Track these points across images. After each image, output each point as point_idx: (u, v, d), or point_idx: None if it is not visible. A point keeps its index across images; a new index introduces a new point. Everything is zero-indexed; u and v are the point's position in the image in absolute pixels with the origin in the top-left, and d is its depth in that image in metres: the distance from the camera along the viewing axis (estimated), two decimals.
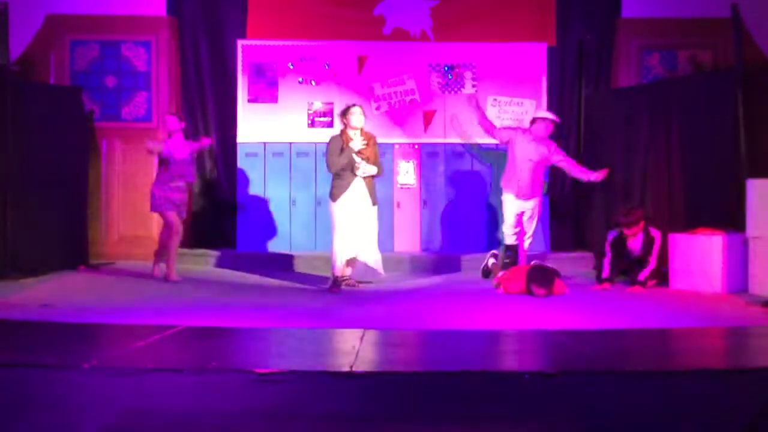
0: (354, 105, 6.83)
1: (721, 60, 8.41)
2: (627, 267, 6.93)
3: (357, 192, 6.65)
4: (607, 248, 6.91)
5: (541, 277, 6.16)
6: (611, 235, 6.91)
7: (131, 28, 8.81)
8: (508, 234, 7.58)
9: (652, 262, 6.71)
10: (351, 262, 6.80)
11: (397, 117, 8.74)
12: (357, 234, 6.64)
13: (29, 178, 7.32)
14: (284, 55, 8.73)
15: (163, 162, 7.08)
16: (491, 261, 7.40)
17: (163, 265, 7.21)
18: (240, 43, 8.73)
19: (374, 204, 6.75)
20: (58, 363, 3.53)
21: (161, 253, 7.24)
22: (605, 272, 6.88)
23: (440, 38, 8.88)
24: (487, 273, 7.34)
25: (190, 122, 9.05)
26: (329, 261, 6.75)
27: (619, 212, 7.04)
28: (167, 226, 7.11)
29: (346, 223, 6.62)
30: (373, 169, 6.68)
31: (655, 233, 6.76)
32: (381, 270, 6.80)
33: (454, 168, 8.71)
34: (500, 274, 6.64)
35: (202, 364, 3.60)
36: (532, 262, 7.12)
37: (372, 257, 6.74)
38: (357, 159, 6.63)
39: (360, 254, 6.71)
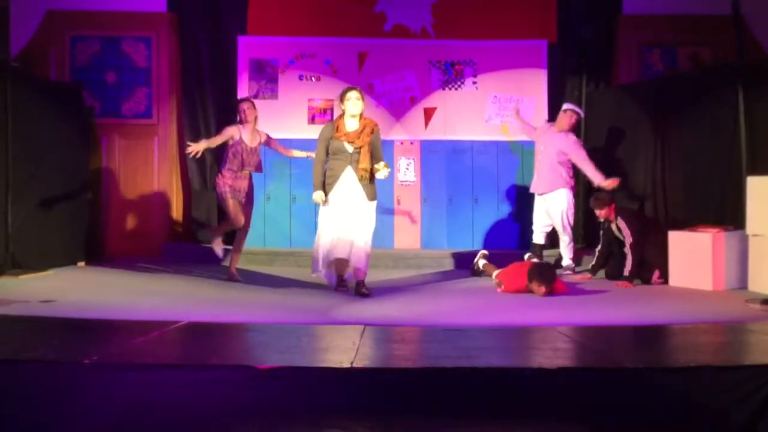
0: (351, 89, 6.18)
1: (722, 57, 8.41)
2: (616, 259, 7.06)
3: (349, 186, 6.04)
4: (601, 232, 7.20)
5: (542, 275, 6.08)
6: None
7: (131, 24, 8.81)
8: (534, 232, 7.76)
9: (629, 255, 6.79)
10: (341, 263, 6.22)
11: (398, 113, 8.74)
12: (347, 233, 6.02)
13: (29, 174, 7.31)
14: (285, 52, 8.74)
15: (233, 151, 6.66)
16: (482, 262, 7.30)
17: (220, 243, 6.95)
18: (240, 39, 8.74)
19: (372, 199, 6.09)
20: (59, 358, 3.53)
21: (219, 231, 7.02)
22: (594, 261, 7.19)
23: (441, 35, 8.87)
24: (478, 272, 7.31)
25: (190, 118, 9.07)
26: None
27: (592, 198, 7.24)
28: (228, 219, 6.83)
29: (332, 220, 6.04)
30: (384, 173, 6.00)
31: (622, 225, 6.84)
32: (364, 269, 6.10)
33: (454, 165, 8.71)
34: (497, 272, 6.61)
35: (202, 359, 3.61)
36: (533, 260, 7.14)
37: (358, 256, 6.05)
38: (349, 148, 6.02)
39: (349, 255, 6.07)
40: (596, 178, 7.33)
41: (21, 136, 7.13)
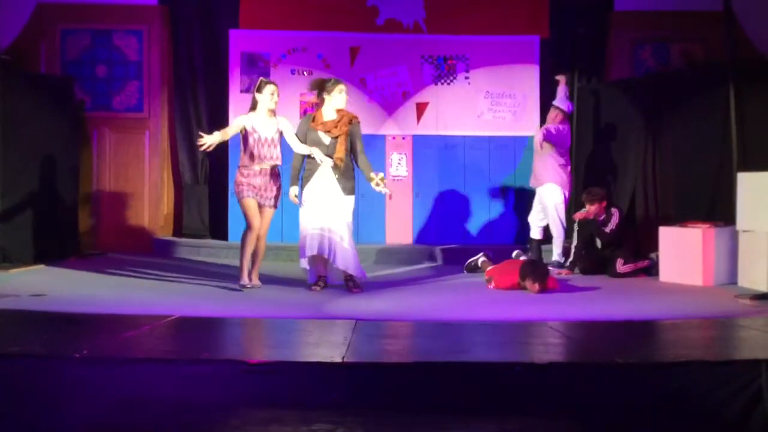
0: (339, 81, 6.00)
1: (713, 53, 8.44)
2: (596, 258, 7.12)
3: (325, 180, 5.87)
4: (575, 227, 7.25)
5: (535, 273, 6.03)
6: (578, 216, 7.23)
7: (123, 18, 8.77)
8: (530, 226, 7.76)
9: (609, 229, 7.03)
10: (321, 261, 6.00)
11: (390, 108, 8.73)
12: (323, 229, 5.84)
13: (20, 169, 7.28)
14: (277, 46, 8.71)
15: (245, 143, 5.90)
16: (482, 259, 7.30)
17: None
18: (232, 32, 8.70)
19: (348, 194, 5.91)
20: (49, 353, 3.52)
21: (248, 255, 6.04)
22: (572, 257, 7.24)
23: (433, 30, 8.87)
24: (472, 268, 7.29)
25: (181, 112, 9.04)
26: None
27: (584, 193, 7.29)
28: (247, 226, 5.95)
29: (309, 216, 5.88)
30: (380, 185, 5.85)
31: (615, 211, 7.06)
32: (352, 270, 5.90)
33: (446, 160, 8.72)
34: (489, 268, 6.62)
35: (193, 354, 3.61)
36: (522, 257, 7.17)
37: (342, 256, 5.85)
38: (326, 139, 5.85)
39: (326, 252, 5.84)
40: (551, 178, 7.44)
41: (11, 131, 7.10)
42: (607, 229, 7.02)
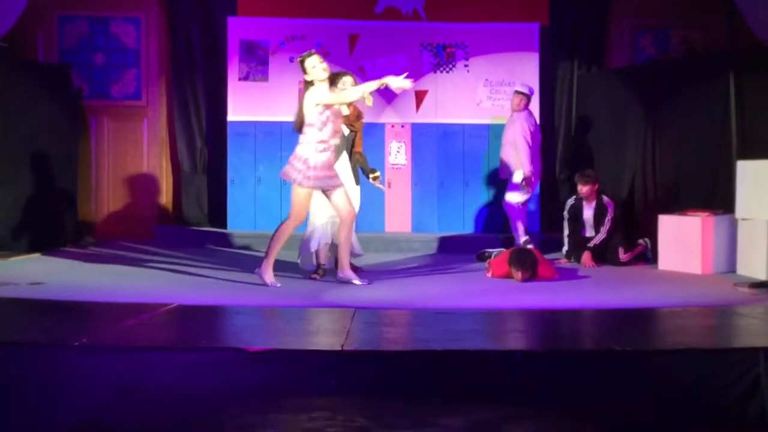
0: (346, 74, 6.04)
1: (713, 41, 8.41)
2: (581, 244, 7.08)
3: (342, 170, 5.99)
4: (565, 216, 7.22)
5: (521, 261, 5.98)
6: (568, 202, 7.23)
7: (120, 5, 8.73)
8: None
9: (603, 232, 6.98)
10: (325, 249, 6.12)
11: (389, 97, 8.69)
12: (334, 216, 5.94)
13: (17, 157, 7.26)
14: (275, 33, 8.67)
15: (323, 117, 5.43)
16: (497, 251, 7.24)
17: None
18: (230, 19, 8.66)
19: (357, 183, 6.19)
20: (48, 341, 3.53)
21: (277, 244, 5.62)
22: (567, 246, 7.19)
23: (432, 17, 8.83)
24: (482, 257, 7.27)
25: (179, 100, 9.01)
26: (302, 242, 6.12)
27: (576, 174, 7.28)
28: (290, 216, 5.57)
29: (320, 204, 5.89)
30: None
31: (609, 203, 7.03)
32: (356, 249, 6.22)
33: (445, 148, 8.70)
34: (493, 257, 6.61)
35: (193, 342, 3.61)
36: (529, 245, 7.16)
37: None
38: (345, 130, 5.96)
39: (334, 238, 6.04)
40: (517, 166, 7.31)
41: (9, 119, 7.08)
42: (604, 231, 6.96)
